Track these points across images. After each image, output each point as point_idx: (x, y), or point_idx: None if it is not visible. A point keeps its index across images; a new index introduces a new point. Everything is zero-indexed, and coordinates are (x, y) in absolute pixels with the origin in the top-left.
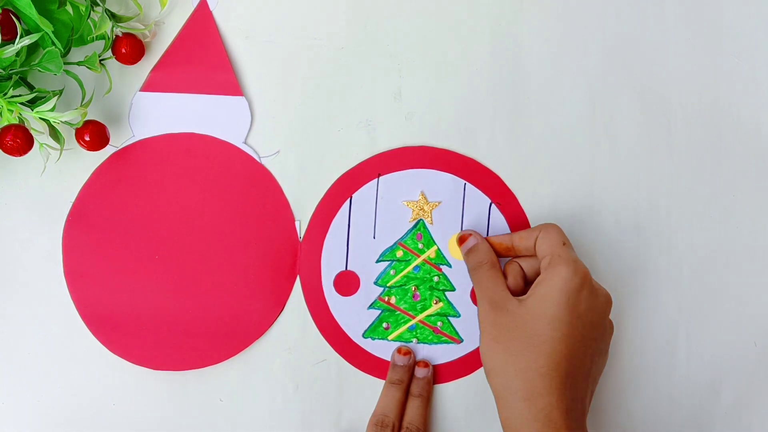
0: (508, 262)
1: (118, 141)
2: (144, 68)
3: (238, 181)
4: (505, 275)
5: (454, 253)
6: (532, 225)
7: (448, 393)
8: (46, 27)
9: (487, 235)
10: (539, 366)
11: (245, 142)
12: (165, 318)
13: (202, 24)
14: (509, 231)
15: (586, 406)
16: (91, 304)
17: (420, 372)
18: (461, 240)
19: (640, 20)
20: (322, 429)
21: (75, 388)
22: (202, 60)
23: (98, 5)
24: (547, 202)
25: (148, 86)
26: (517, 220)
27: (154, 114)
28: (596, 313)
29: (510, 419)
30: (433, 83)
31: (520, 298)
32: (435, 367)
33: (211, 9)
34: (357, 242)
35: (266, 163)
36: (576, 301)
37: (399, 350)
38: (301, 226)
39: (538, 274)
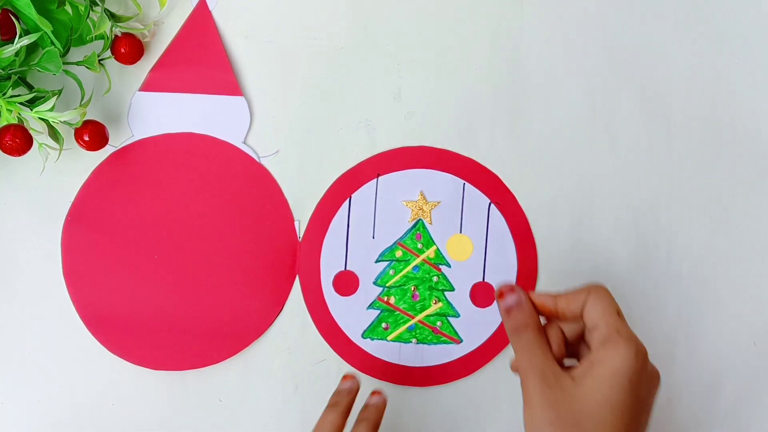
0: (548, 324)
1: (117, 141)
2: (143, 68)
3: (237, 181)
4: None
5: (452, 254)
6: (533, 225)
7: (447, 394)
8: (46, 27)
9: (487, 235)
10: None
11: (244, 142)
12: (164, 318)
13: (201, 24)
14: (509, 231)
15: None
16: (90, 303)
17: (372, 399)
18: (500, 294)
19: (640, 20)
20: None
21: (74, 388)
22: (201, 60)
23: (97, 5)
24: (546, 202)
25: (148, 86)
26: (517, 220)
27: (154, 114)
28: (651, 393)
29: None
30: (433, 83)
31: (572, 374)
32: (434, 367)
33: (210, 9)
34: (356, 242)
35: (265, 163)
36: (638, 386)
37: (344, 377)
38: (301, 226)
39: (579, 337)
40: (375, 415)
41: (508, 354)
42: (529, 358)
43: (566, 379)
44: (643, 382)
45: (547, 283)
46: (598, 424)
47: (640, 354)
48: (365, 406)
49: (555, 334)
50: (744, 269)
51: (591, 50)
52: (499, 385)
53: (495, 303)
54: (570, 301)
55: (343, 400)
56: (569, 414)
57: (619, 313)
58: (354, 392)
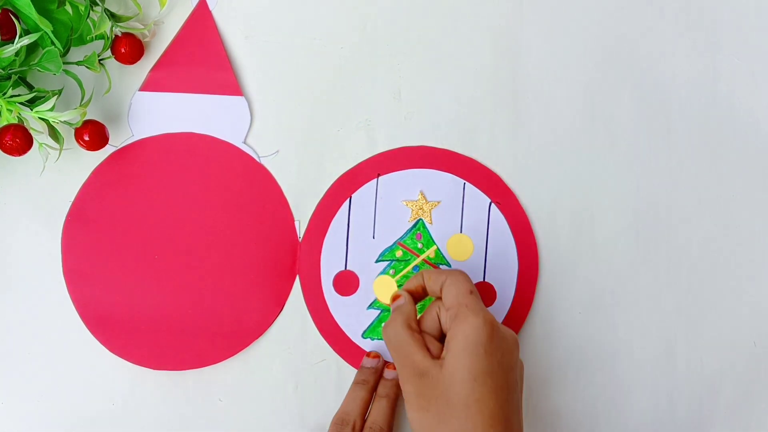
0: (427, 311)
1: (117, 140)
2: (143, 68)
3: (237, 181)
4: (421, 326)
5: (453, 254)
6: (533, 225)
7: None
8: (46, 27)
9: (487, 235)
10: (475, 426)
11: (245, 142)
12: (164, 318)
13: (201, 24)
14: (510, 231)
15: None
16: (90, 303)
17: (389, 374)
18: (393, 299)
19: (639, 20)
20: (322, 429)
21: (74, 388)
22: (201, 60)
23: (97, 5)
24: (546, 201)
25: (148, 86)
26: (517, 219)
27: (154, 113)
28: (510, 355)
29: None
30: (433, 83)
31: (440, 361)
32: None
33: (210, 9)
34: (356, 242)
35: (266, 162)
36: (492, 350)
37: (368, 354)
38: (301, 226)
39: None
40: (394, 390)
41: None
42: (401, 355)
43: (435, 367)
44: (496, 347)
45: (547, 282)
46: (467, 396)
47: (488, 322)
48: (383, 382)
49: (430, 318)
50: (744, 269)
51: (591, 50)
52: None
53: (494, 303)
54: (433, 281)
55: (370, 378)
56: (439, 396)
57: (471, 292)
58: (380, 370)
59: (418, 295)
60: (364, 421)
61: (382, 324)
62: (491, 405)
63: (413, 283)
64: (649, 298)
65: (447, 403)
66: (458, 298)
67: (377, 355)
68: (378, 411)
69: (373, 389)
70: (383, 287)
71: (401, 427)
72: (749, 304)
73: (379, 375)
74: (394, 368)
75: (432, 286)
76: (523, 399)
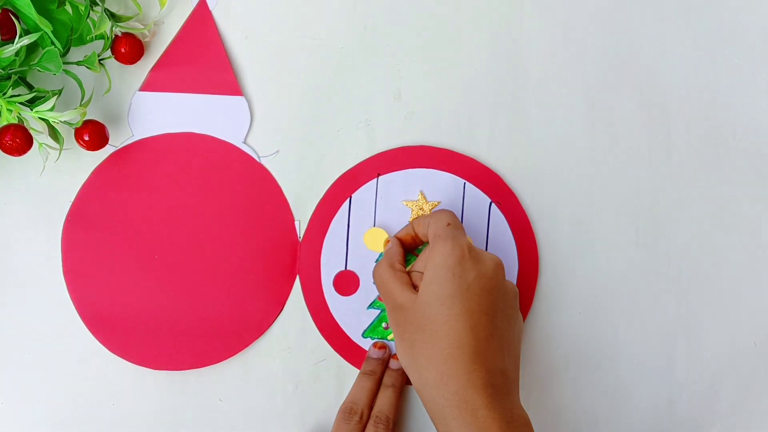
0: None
1: (117, 141)
2: (143, 68)
3: (237, 181)
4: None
5: (371, 246)
6: (533, 225)
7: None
8: (46, 27)
9: (488, 235)
10: (442, 349)
11: (245, 142)
12: (164, 318)
13: (201, 23)
14: (510, 231)
15: (510, 374)
16: (90, 303)
17: (394, 364)
18: (384, 244)
19: (639, 20)
20: (322, 428)
21: (74, 388)
22: (201, 60)
23: (97, 5)
24: (546, 201)
25: (148, 86)
26: (518, 219)
27: (154, 114)
28: (487, 278)
29: (432, 411)
30: (433, 83)
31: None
32: None
33: (210, 8)
34: (357, 242)
35: (266, 163)
36: (461, 273)
37: (375, 344)
38: (301, 226)
39: None
40: (400, 380)
41: None
42: (385, 293)
43: (412, 299)
44: (467, 269)
45: (547, 282)
46: (435, 320)
47: (457, 246)
48: (389, 372)
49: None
50: (744, 269)
51: (591, 50)
52: None
53: None
54: (421, 224)
55: (377, 368)
56: (413, 323)
57: (449, 224)
58: (386, 361)
59: (408, 244)
60: (371, 410)
61: (382, 324)
62: (458, 327)
63: (403, 232)
64: (649, 298)
65: (420, 329)
66: (435, 231)
67: (384, 346)
68: (384, 400)
69: (380, 380)
70: (373, 238)
71: (407, 417)
72: (749, 304)
73: (385, 365)
74: (381, 347)
75: (421, 230)
76: (523, 398)
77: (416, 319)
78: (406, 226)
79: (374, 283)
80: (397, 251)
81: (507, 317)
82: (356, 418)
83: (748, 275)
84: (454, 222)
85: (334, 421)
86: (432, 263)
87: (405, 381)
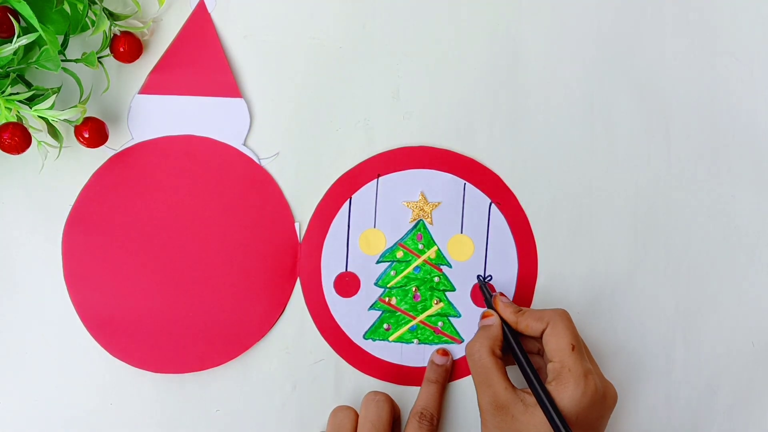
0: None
1: (117, 144)
2: (142, 67)
3: (237, 183)
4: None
5: (453, 254)
6: (532, 225)
7: (448, 393)
8: (41, 29)
9: (487, 235)
10: None
11: (244, 144)
12: (165, 320)
13: (200, 26)
14: (510, 231)
15: None
16: (90, 306)
17: (439, 359)
18: (483, 316)
19: (638, 20)
20: (320, 428)
21: (74, 390)
22: (200, 62)
23: (96, 3)
24: (546, 201)
25: (147, 89)
26: (518, 220)
27: (153, 116)
28: (604, 418)
29: None
30: (431, 83)
31: (524, 400)
32: None
33: (209, 11)
34: (357, 243)
35: (265, 164)
36: (585, 419)
37: (438, 351)
38: (301, 227)
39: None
40: (444, 376)
41: None
42: (481, 377)
43: (518, 405)
44: (592, 413)
45: (547, 282)
46: None
47: (588, 391)
48: (431, 365)
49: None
50: (742, 269)
51: (590, 49)
52: None
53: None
54: (530, 327)
55: (441, 378)
56: None
57: (574, 348)
58: (450, 369)
59: (508, 324)
60: (440, 415)
61: (384, 325)
62: None
63: (509, 312)
64: (648, 298)
65: None
66: (561, 354)
67: (446, 353)
68: (428, 396)
69: (445, 385)
70: (368, 240)
71: (451, 414)
72: (748, 304)
73: (449, 373)
74: (445, 354)
75: (530, 330)
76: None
77: (522, 430)
78: (510, 307)
79: (469, 360)
80: (499, 334)
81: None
82: (426, 423)
83: (746, 275)
84: (578, 342)
85: (407, 425)
86: (558, 400)
87: (449, 377)
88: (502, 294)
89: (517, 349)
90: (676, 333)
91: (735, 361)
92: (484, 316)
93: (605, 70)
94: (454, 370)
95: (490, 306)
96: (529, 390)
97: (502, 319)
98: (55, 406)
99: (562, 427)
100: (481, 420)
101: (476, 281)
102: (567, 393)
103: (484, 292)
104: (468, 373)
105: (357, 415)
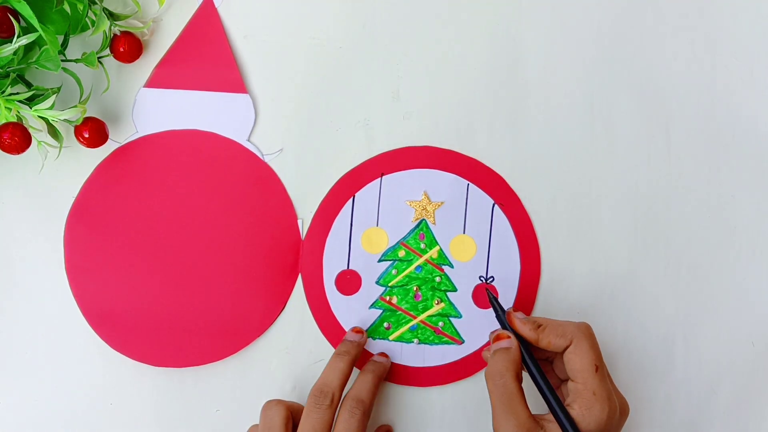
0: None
1: (121, 137)
2: (141, 66)
3: (241, 178)
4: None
5: (456, 254)
6: (534, 226)
7: (448, 394)
8: (44, 31)
9: (490, 236)
10: None
11: (249, 140)
12: (166, 315)
13: (206, 21)
14: (512, 232)
15: None
16: (92, 300)
17: (379, 358)
18: (498, 337)
19: (638, 20)
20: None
21: (75, 384)
22: (206, 57)
23: (96, 3)
24: (546, 201)
25: (152, 82)
26: (520, 221)
27: (158, 110)
28: (620, 427)
29: None
30: (432, 82)
31: (545, 426)
32: (435, 368)
33: (216, 6)
34: (359, 241)
35: (269, 161)
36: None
37: (353, 329)
38: (304, 224)
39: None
40: (381, 370)
41: None
42: (504, 404)
43: (536, 427)
44: (613, 430)
45: (549, 283)
46: None
47: (613, 415)
48: (371, 361)
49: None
50: (742, 269)
51: (590, 50)
52: None
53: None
54: (552, 344)
55: (352, 350)
56: None
57: (597, 368)
58: (362, 345)
59: (525, 341)
60: (342, 393)
61: (384, 323)
62: None
63: (527, 329)
64: (648, 298)
65: None
66: (584, 374)
67: (360, 331)
68: (363, 384)
69: (353, 362)
70: (370, 239)
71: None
72: (748, 304)
73: (360, 348)
74: (385, 356)
75: (550, 347)
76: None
77: None
78: (525, 322)
79: (490, 384)
80: (519, 357)
81: None
82: (327, 401)
83: (746, 276)
84: (601, 361)
85: (306, 403)
86: (583, 424)
87: (386, 374)
88: (515, 309)
89: (537, 376)
90: (676, 333)
91: (735, 361)
92: (498, 338)
93: (605, 70)
94: (451, 372)
95: (502, 323)
96: (548, 414)
97: (519, 337)
98: (55, 400)
99: None
100: None
101: (478, 282)
102: (593, 418)
103: (495, 308)
104: (463, 377)
105: (288, 410)
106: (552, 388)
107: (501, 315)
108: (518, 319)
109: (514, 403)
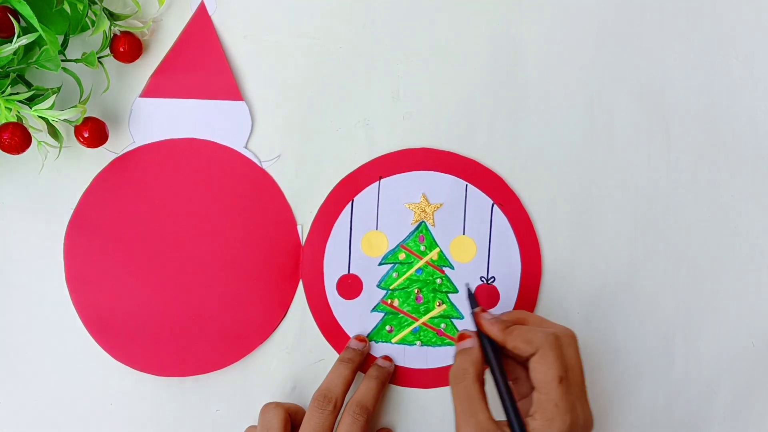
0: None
1: (118, 147)
2: (142, 67)
3: (239, 186)
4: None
5: (456, 256)
6: (535, 226)
7: (449, 396)
8: (44, 31)
9: (490, 236)
10: None
11: (246, 147)
12: (167, 323)
13: (201, 28)
14: (512, 232)
15: None
16: (92, 308)
17: (382, 362)
18: (461, 336)
19: (638, 20)
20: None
21: (75, 393)
22: (201, 65)
23: (96, 3)
24: (545, 201)
25: (148, 92)
26: (520, 221)
27: (155, 120)
28: None
29: None
30: (431, 83)
31: (502, 426)
32: (439, 369)
33: (210, 13)
34: (359, 245)
35: (267, 167)
36: None
37: (357, 337)
38: (303, 230)
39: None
40: (385, 376)
41: None
42: (465, 407)
43: (495, 429)
44: None
45: (550, 283)
46: None
47: (574, 428)
48: (375, 366)
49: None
50: (742, 269)
51: (589, 50)
52: None
53: (497, 305)
54: (518, 348)
55: (355, 357)
56: None
57: (561, 380)
58: (365, 353)
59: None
60: (344, 399)
61: (386, 327)
62: None
63: (494, 331)
64: (648, 298)
65: None
66: (547, 385)
67: (364, 339)
68: (366, 390)
69: (357, 369)
70: (370, 242)
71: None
72: (748, 304)
73: (363, 356)
74: (389, 360)
75: (515, 351)
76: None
77: None
78: (493, 322)
79: (452, 386)
80: (481, 359)
81: None
82: (330, 407)
83: (746, 276)
84: (566, 372)
85: (308, 407)
86: (540, 428)
87: (389, 379)
88: (484, 309)
89: (500, 379)
90: (675, 333)
91: (735, 361)
92: (461, 337)
93: (605, 70)
94: (440, 377)
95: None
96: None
97: (486, 339)
98: (55, 408)
99: None
100: None
101: (479, 282)
102: (553, 430)
103: (471, 305)
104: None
105: (287, 413)
106: (511, 394)
107: (472, 313)
108: (486, 319)
109: (475, 406)
